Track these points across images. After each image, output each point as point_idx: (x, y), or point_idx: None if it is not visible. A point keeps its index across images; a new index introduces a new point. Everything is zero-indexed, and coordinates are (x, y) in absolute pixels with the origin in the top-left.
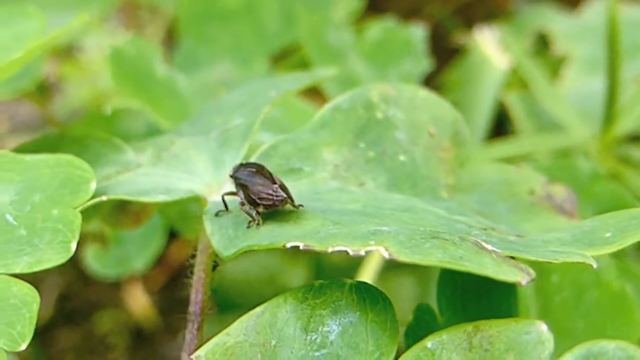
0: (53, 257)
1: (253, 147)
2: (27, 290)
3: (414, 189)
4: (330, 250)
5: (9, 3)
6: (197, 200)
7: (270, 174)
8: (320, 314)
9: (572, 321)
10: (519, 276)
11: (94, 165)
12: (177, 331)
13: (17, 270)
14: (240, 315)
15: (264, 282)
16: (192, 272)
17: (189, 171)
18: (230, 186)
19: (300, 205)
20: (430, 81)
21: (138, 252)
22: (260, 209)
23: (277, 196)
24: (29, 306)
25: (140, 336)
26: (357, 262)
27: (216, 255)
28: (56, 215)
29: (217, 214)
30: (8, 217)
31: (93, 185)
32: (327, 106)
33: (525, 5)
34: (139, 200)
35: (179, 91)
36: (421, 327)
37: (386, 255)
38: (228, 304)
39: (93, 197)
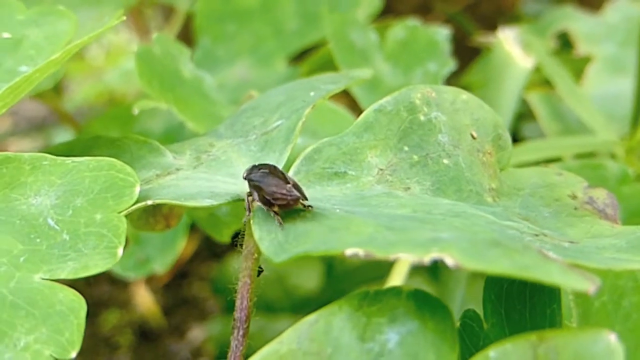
0: (99, 263)
1: (294, 150)
2: (74, 297)
3: (458, 194)
4: (392, 257)
5: (33, 3)
6: (242, 205)
7: (284, 174)
8: (378, 322)
9: (610, 326)
10: (587, 285)
11: (133, 168)
12: (182, 329)
13: (63, 276)
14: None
15: (272, 283)
16: (236, 278)
17: (232, 174)
18: None
19: (310, 207)
20: (449, 81)
21: (159, 253)
22: (276, 209)
23: (291, 195)
24: (76, 313)
25: (144, 334)
26: (367, 263)
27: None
28: (100, 220)
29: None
30: (50, 221)
31: (137, 190)
32: (371, 108)
33: (533, 4)
34: (185, 204)
35: (206, 91)
36: (467, 332)
37: (450, 263)
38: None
39: (136, 201)
